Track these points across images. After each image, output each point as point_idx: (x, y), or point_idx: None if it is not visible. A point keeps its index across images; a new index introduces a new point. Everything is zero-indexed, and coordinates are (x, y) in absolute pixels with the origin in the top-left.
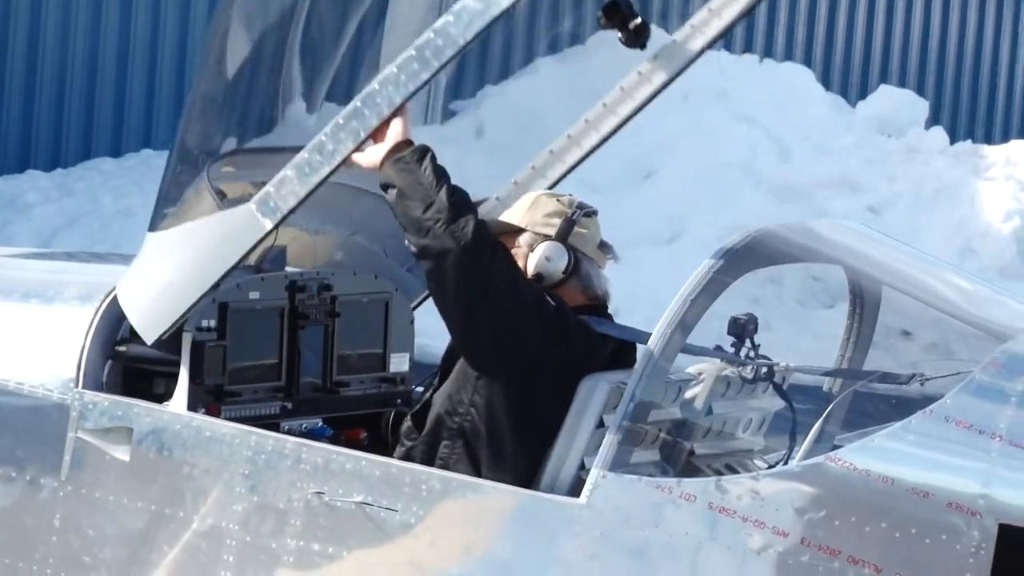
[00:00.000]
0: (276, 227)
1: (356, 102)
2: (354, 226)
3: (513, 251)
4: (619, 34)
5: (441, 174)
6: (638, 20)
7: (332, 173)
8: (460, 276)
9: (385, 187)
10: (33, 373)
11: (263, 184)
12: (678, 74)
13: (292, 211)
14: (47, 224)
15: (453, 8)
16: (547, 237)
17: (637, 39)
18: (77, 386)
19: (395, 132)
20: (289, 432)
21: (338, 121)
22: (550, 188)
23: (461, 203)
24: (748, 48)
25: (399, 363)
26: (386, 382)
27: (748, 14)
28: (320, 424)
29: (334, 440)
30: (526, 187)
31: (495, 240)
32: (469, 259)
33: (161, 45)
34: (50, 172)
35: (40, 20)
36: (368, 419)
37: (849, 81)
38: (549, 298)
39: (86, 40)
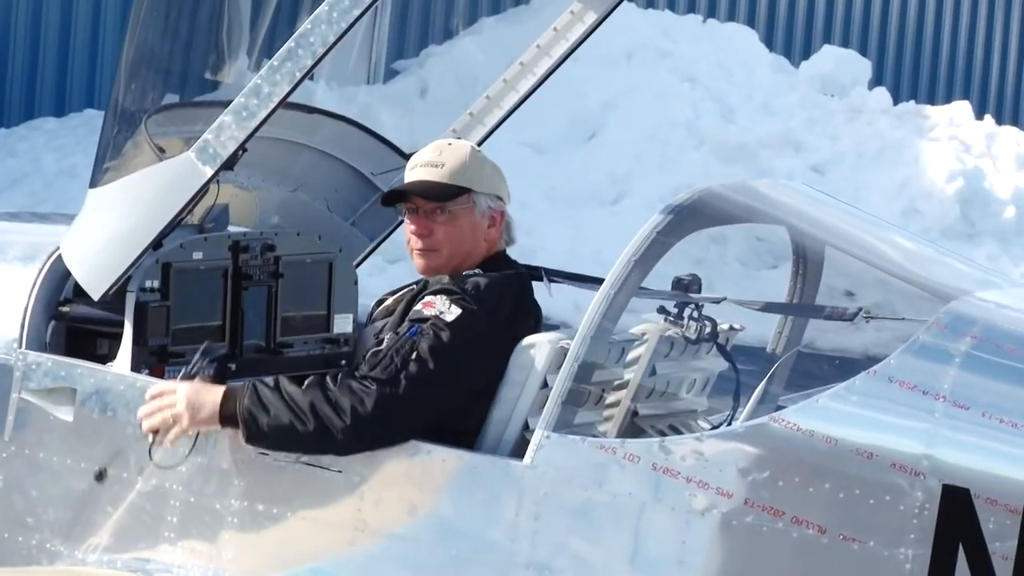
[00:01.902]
0: (216, 174)
1: (290, 43)
2: (295, 182)
3: (459, 211)
4: None
5: (288, 399)
6: None
7: (270, 116)
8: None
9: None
10: None
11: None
12: (610, 12)
13: (232, 156)
14: None
15: None
16: (499, 198)
17: None
18: (20, 346)
19: (204, 398)
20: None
21: (272, 63)
22: (488, 134)
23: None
24: (692, 8)
25: (343, 324)
26: (330, 343)
27: None
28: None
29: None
30: (465, 135)
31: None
32: (394, 423)
33: (104, 3)
34: None
35: None
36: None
37: (792, 41)
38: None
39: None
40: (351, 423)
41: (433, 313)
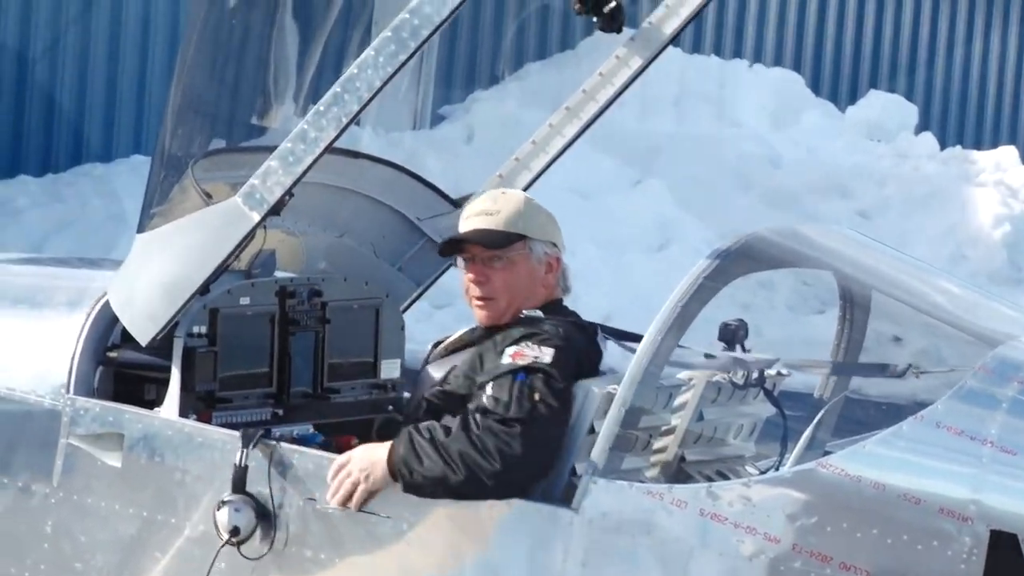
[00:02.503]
0: (263, 219)
1: (336, 88)
2: (342, 227)
3: (516, 257)
4: (594, 19)
5: (439, 452)
6: (612, 3)
7: (316, 161)
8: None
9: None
10: (24, 379)
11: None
12: (655, 56)
13: (279, 201)
14: (37, 229)
15: None
16: (553, 244)
17: (612, 23)
18: (68, 392)
19: (370, 459)
20: (280, 439)
21: (319, 108)
22: (534, 180)
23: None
24: (738, 53)
25: (390, 369)
26: (377, 388)
27: None
28: (311, 430)
29: (325, 446)
30: (510, 180)
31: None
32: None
33: (152, 50)
34: (41, 177)
35: (30, 26)
36: (359, 425)
37: (839, 86)
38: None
39: (76, 46)
40: (501, 468)
41: (530, 359)
